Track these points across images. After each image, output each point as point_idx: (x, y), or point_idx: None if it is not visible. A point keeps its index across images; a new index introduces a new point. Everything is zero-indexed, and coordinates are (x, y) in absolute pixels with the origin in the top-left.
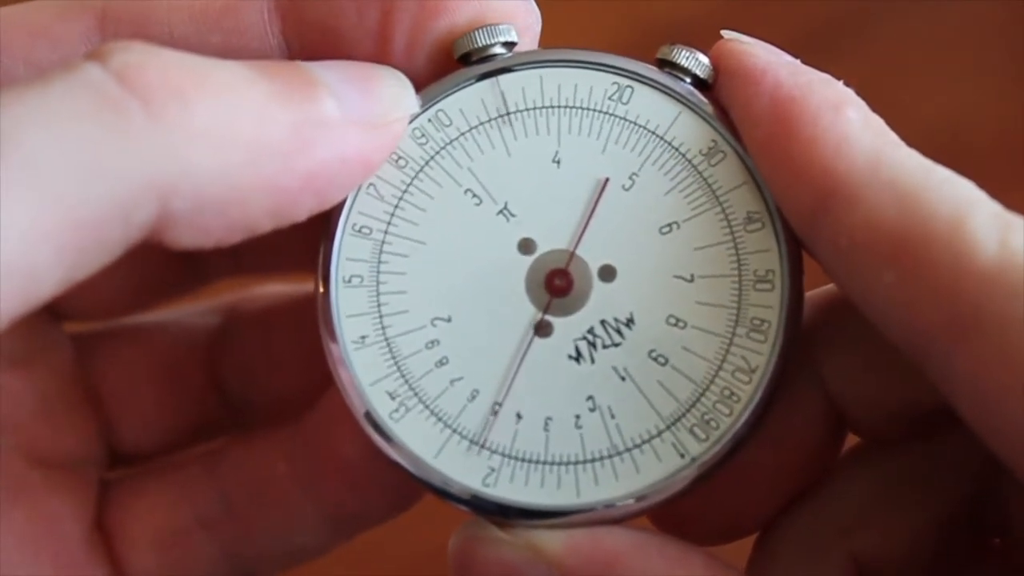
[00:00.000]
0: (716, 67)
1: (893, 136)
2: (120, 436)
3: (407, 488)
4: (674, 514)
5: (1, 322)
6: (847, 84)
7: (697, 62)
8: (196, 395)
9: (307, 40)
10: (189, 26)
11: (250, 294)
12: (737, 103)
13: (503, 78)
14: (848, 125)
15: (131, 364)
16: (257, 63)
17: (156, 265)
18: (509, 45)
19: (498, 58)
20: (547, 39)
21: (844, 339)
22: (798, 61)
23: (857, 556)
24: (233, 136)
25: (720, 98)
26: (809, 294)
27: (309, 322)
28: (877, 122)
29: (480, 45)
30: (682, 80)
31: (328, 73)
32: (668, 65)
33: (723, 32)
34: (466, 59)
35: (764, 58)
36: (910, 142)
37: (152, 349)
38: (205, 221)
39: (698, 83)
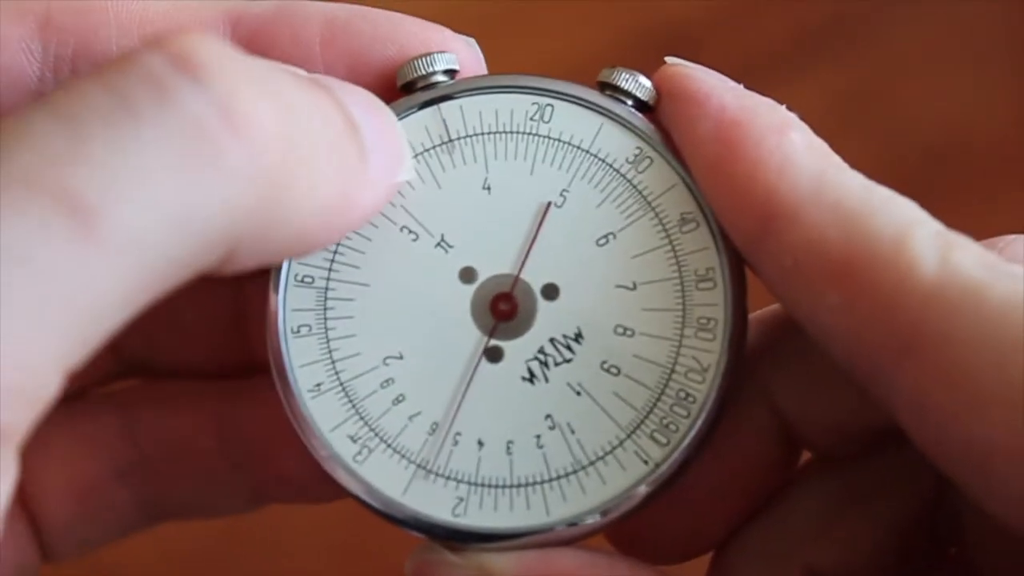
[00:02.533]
0: (660, 91)
1: (836, 159)
2: None
3: None
4: (629, 533)
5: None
6: (790, 109)
7: (638, 84)
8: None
9: None
10: (135, 36)
11: None
12: (681, 126)
13: (444, 106)
14: (792, 147)
15: None
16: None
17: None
18: (450, 72)
19: (440, 86)
20: (547, 40)
21: (791, 358)
22: (741, 86)
23: (814, 570)
24: (322, 202)
25: (663, 121)
26: (755, 314)
27: (213, 291)
28: (820, 145)
29: (423, 72)
30: (623, 103)
31: (366, 123)
32: (609, 88)
33: (666, 58)
34: (409, 87)
35: (709, 82)
36: (910, 143)
37: None
38: (242, 264)
39: (640, 105)
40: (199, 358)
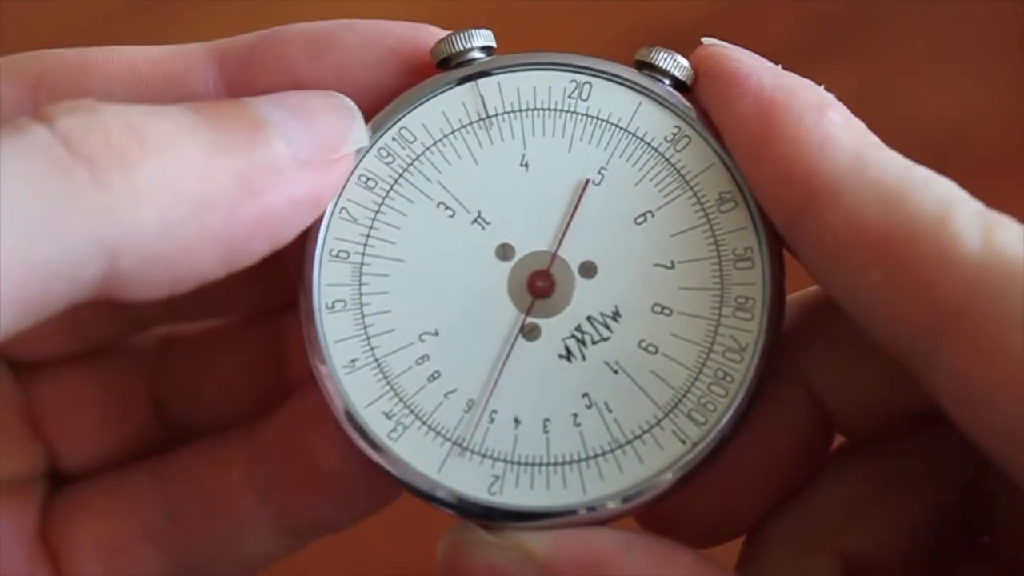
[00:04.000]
0: (697, 71)
1: (874, 138)
2: (63, 459)
3: (378, 495)
4: (663, 516)
5: None
6: (828, 89)
7: (676, 63)
8: (139, 419)
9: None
10: (128, 93)
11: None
12: (720, 105)
13: (481, 82)
14: (831, 126)
15: (72, 390)
16: (203, 107)
17: (94, 315)
18: (487, 49)
19: (477, 62)
20: (547, 39)
21: (828, 339)
22: (779, 66)
23: (847, 555)
24: (177, 192)
25: (700, 100)
26: (792, 296)
27: (253, 343)
28: (858, 124)
29: (460, 49)
30: (661, 82)
31: (275, 110)
32: (647, 67)
33: (703, 39)
34: (445, 63)
35: (747, 62)
36: (910, 142)
37: (93, 374)
38: (154, 276)
39: (677, 85)
40: (242, 411)
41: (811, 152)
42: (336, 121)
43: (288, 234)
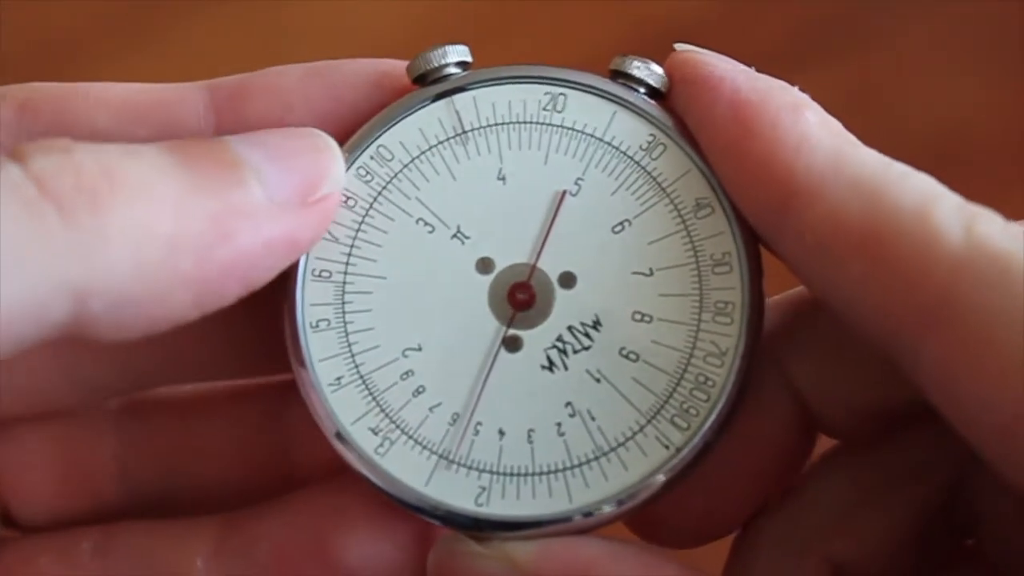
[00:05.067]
0: (672, 77)
1: (851, 136)
2: (12, 512)
3: None
4: (649, 517)
5: None
6: (802, 90)
7: (650, 72)
8: (98, 484)
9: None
10: (113, 120)
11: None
12: (695, 110)
13: (457, 98)
14: (807, 126)
15: (28, 448)
16: (178, 147)
17: (61, 376)
18: (463, 64)
19: (452, 78)
20: (546, 41)
21: (810, 340)
22: (753, 69)
23: (834, 559)
24: (149, 234)
25: (675, 107)
26: (773, 299)
27: (245, 418)
28: (835, 124)
29: (436, 65)
30: (635, 91)
31: (252, 152)
32: (622, 76)
33: (676, 45)
34: (422, 80)
35: (721, 66)
36: (909, 143)
37: (53, 435)
38: (125, 318)
39: (652, 93)
40: (224, 491)
41: (788, 152)
42: (314, 162)
43: (263, 277)
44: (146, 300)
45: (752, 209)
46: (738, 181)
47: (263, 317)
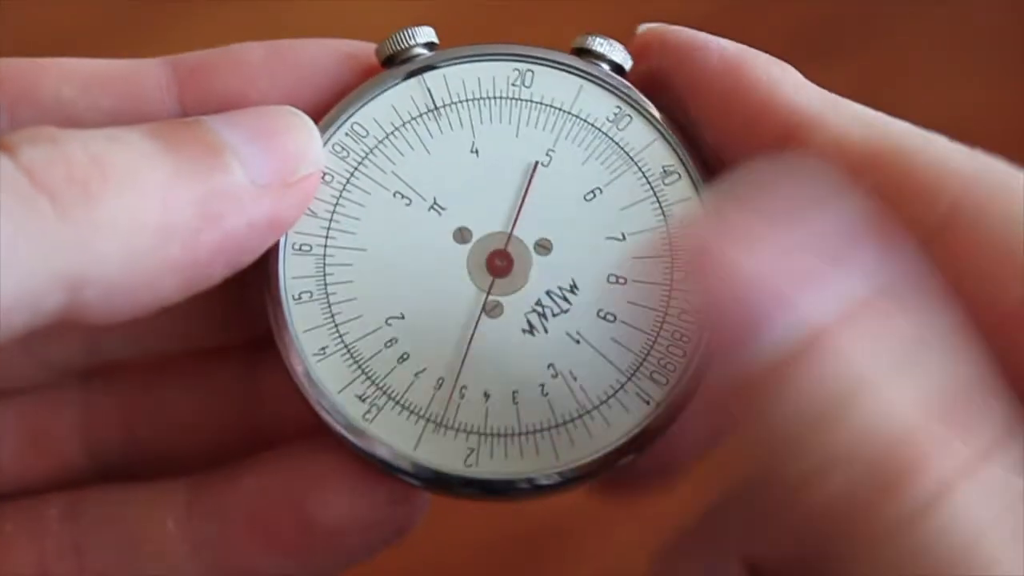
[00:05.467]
0: (651, 46)
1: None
2: None
3: (369, 550)
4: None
5: None
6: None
7: (613, 48)
8: (63, 453)
9: (211, 106)
10: (78, 90)
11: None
12: (685, 67)
13: (427, 75)
14: (797, 74)
15: None
16: (160, 130)
17: (54, 346)
18: (430, 45)
19: (421, 58)
20: (544, 40)
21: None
22: None
23: (750, 562)
24: (138, 223)
25: (646, 79)
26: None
27: (212, 382)
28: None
29: (404, 46)
30: (600, 66)
31: (232, 133)
32: (585, 53)
33: (642, 25)
34: (390, 61)
35: (699, 32)
36: None
37: (14, 404)
38: (115, 304)
39: (615, 68)
40: (192, 455)
41: (788, 90)
42: (293, 142)
43: (248, 257)
44: (136, 287)
45: (749, 149)
46: (735, 126)
47: (231, 286)
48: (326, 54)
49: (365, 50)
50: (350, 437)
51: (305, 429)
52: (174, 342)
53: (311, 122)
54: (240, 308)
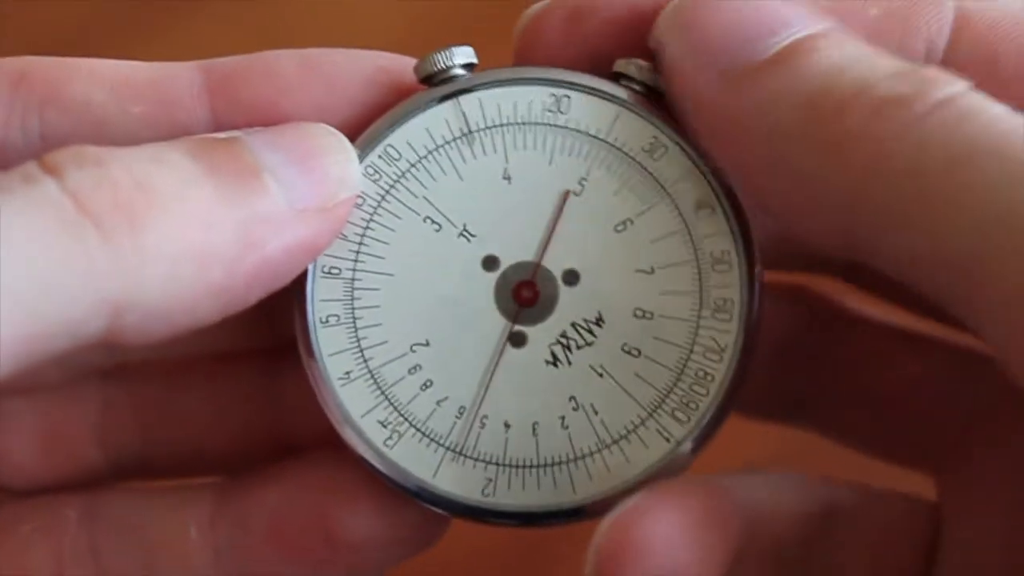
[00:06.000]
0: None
1: None
2: None
3: (387, 563)
4: None
5: None
6: None
7: (651, 74)
8: (84, 447)
9: (241, 114)
10: (109, 95)
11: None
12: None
13: (463, 99)
14: None
15: (10, 412)
16: (200, 150)
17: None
18: (469, 66)
19: (459, 79)
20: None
21: None
22: None
23: None
24: (182, 250)
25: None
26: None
27: (235, 386)
28: None
29: (443, 66)
30: (638, 92)
31: (272, 154)
32: (624, 78)
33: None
34: (429, 80)
35: None
36: None
37: (33, 403)
38: (152, 328)
39: (654, 93)
40: (211, 459)
41: None
42: (332, 165)
43: (284, 280)
44: (175, 311)
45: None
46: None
47: None
48: (359, 67)
49: (397, 63)
50: (371, 461)
51: (329, 435)
52: (195, 347)
53: (349, 144)
54: (263, 315)
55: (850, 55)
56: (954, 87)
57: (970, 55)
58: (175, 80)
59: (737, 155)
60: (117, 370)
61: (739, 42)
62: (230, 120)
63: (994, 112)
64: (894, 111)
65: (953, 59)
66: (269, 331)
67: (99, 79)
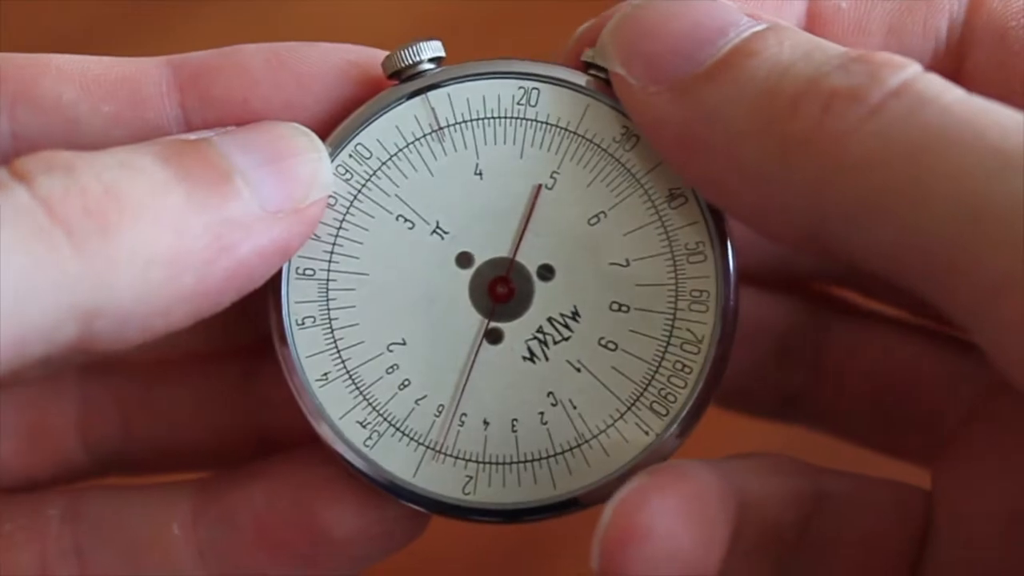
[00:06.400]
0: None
1: None
2: None
3: (373, 558)
4: None
5: None
6: None
7: None
8: (65, 444)
9: (211, 111)
10: (79, 93)
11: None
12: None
13: (432, 94)
14: None
15: None
16: (170, 154)
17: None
18: (436, 60)
19: (427, 74)
20: (543, 42)
21: None
22: None
23: None
24: (153, 255)
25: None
26: None
27: (213, 383)
28: None
29: (410, 62)
30: (608, 82)
31: (243, 157)
32: (594, 68)
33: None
34: (397, 76)
35: None
36: None
37: (17, 394)
38: (125, 333)
39: None
40: (191, 455)
41: None
42: (304, 166)
43: (257, 283)
44: (147, 316)
45: None
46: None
47: None
48: (329, 62)
49: (368, 57)
50: (352, 462)
51: (309, 432)
52: (173, 348)
53: (321, 144)
54: (241, 313)
55: (795, 50)
56: (905, 72)
57: (983, 32)
58: (145, 77)
59: (696, 166)
60: (98, 366)
61: (682, 53)
62: (200, 117)
63: (952, 96)
64: (847, 105)
65: (968, 36)
66: (248, 329)
67: (67, 76)
